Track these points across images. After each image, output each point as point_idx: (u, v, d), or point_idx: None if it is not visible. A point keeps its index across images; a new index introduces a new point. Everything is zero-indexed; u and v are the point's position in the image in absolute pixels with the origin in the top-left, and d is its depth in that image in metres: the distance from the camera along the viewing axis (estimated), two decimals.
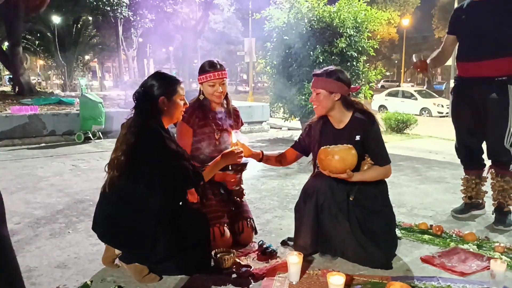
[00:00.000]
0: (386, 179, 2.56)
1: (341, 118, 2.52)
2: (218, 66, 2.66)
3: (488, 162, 3.23)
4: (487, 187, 3.30)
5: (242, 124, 2.93)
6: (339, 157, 2.30)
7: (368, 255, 2.37)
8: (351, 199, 2.43)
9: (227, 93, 2.77)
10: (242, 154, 2.47)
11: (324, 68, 2.54)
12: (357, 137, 2.45)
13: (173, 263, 2.23)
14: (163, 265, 2.23)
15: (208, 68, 2.66)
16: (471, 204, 3.36)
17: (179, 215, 2.24)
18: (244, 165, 2.64)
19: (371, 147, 2.46)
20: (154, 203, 2.15)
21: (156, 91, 2.25)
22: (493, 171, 3.16)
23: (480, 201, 3.37)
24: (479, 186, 3.32)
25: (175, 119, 2.38)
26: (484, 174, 3.29)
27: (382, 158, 2.48)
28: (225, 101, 2.78)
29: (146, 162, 2.12)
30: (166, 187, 2.15)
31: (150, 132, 2.15)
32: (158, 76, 2.32)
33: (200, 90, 2.73)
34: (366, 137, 2.45)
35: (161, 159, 2.13)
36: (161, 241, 2.17)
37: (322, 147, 2.39)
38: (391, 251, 2.50)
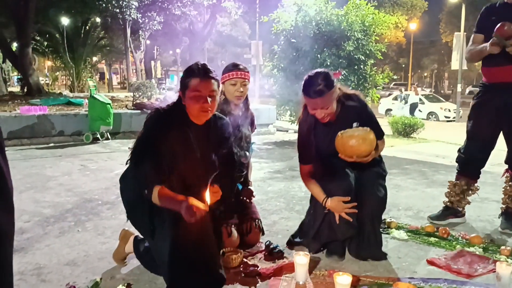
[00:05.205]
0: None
1: (333, 110, 2.49)
2: (241, 67, 2.73)
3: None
4: (472, 198, 3.30)
5: (255, 128, 2.97)
6: (364, 140, 2.33)
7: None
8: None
9: (247, 98, 2.81)
10: (197, 216, 1.88)
11: (316, 82, 2.40)
12: (355, 124, 2.47)
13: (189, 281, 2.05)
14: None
15: (231, 67, 2.73)
16: (450, 211, 3.29)
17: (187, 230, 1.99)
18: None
19: (369, 126, 2.44)
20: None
21: (180, 84, 2.15)
22: (508, 176, 3.15)
23: (460, 209, 3.30)
24: (465, 193, 3.24)
25: (195, 117, 2.12)
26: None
27: (380, 131, 2.56)
28: (243, 106, 2.80)
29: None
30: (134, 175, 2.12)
31: (148, 118, 2.10)
32: (187, 67, 2.15)
33: (221, 91, 2.77)
34: (363, 120, 2.49)
35: (136, 145, 2.08)
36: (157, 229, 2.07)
37: (339, 133, 2.38)
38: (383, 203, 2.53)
